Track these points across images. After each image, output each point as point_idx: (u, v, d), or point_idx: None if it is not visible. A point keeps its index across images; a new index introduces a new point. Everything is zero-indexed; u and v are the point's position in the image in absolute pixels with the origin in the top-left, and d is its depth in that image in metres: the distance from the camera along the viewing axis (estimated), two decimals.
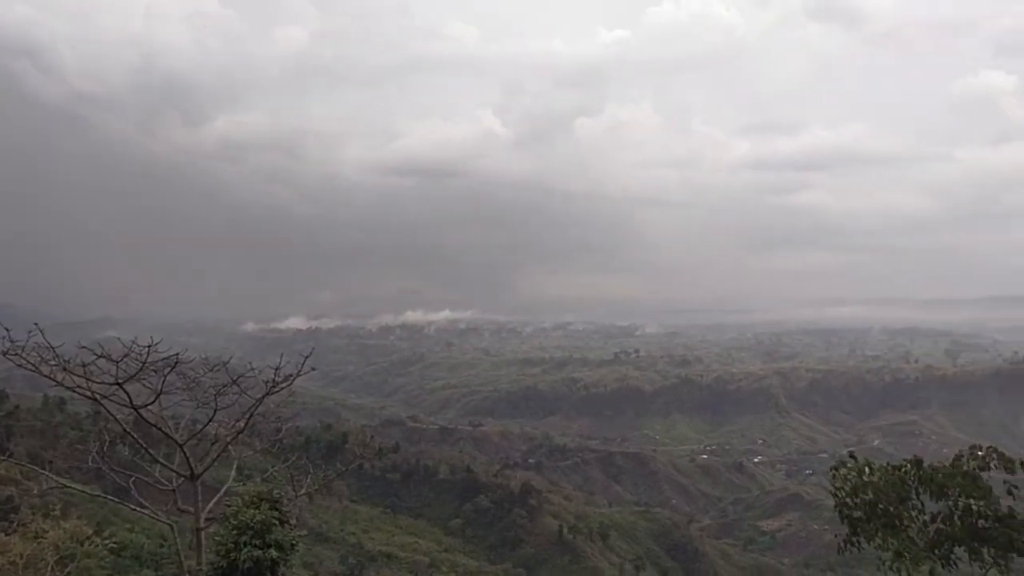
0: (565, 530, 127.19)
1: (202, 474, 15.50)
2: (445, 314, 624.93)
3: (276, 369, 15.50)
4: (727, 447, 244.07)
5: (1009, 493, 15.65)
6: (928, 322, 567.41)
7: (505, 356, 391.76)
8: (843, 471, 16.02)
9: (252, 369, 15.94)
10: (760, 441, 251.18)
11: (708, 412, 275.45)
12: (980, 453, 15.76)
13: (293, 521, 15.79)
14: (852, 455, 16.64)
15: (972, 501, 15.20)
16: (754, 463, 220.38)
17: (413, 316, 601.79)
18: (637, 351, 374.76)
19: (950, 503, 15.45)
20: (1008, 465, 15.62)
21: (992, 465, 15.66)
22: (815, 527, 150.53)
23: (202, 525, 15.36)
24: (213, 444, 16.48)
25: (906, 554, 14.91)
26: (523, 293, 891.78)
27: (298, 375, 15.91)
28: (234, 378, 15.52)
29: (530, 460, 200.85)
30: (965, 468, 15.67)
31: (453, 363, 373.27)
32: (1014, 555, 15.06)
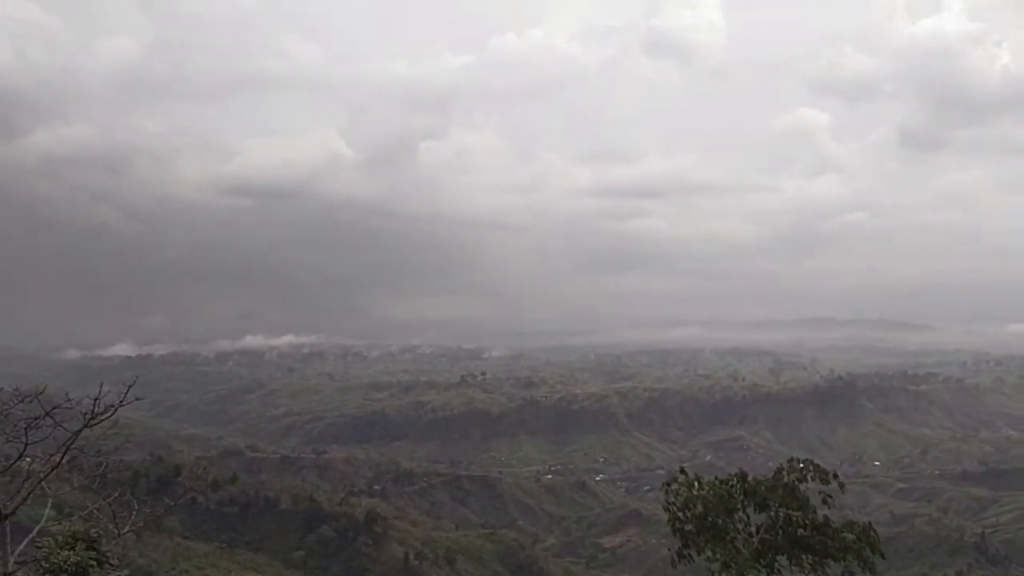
0: (411, 556, 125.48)
1: (11, 513, 14.14)
2: (288, 339, 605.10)
3: (96, 400, 14.40)
4: (571, 466, 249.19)
5: (825, 503, 16.76)
6: (754, 342, 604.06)
7: (351, 381, 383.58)
8: (675, 486, 16.70)
9: (69, 400, 14.74)
10: (601, 459, 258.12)
11: (552, 433, 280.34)
12: (799, 466, 16.83)
13: (115, 561, 14.65)
14: (683, 471, 17.39)
15: (792, 512, 16.26)
16: (596, 481, 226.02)
17: (253, 341, 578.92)
18: (484, 374, 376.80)
19: (772, 514, 16.45)
20: (823, 477, 16.75)
21: (809, 477, 16.75)
22: (653, 541, 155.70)
23: (10, 570, 14.01)
24: (25, 481, 15.10)
25: (733, 564, 15.68)
26: (370, 317, 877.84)
27: (121, 405, 14.85)
28: (48, 409, 14.30)
29: (376, 487, 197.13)
30: (785, 481, 16.70)
31: (296, 389, 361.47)
32: (829, 561, 16.18)
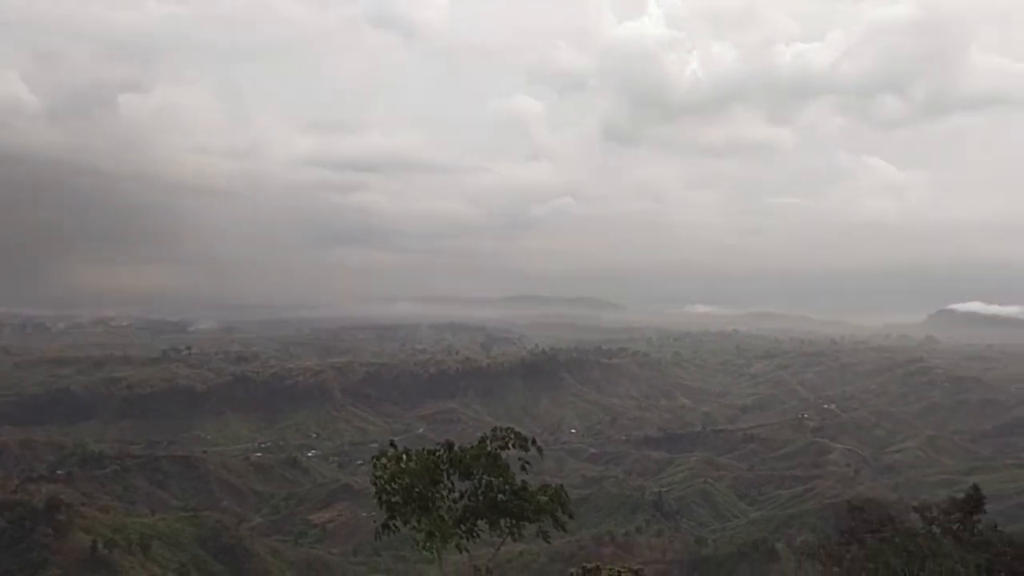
0: (100, 545, 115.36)
1: None
2: None
3: None
4: (282, 443, 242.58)
5: (523, 468, 17.56)
6: (468, 318, 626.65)
7: (31, 355, 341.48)
8: (383, 459, 16.67)
9: None
10: (315, 435, 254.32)
11: (264, 409, 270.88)
12: (501, 435, 17.53)
13: None
14: (392, 443, 17.44)
15: (493, 478, 16.94)
16: (308, 457, 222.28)
17: None
18: (189, 348, 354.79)
19: (475, 481, 17.03)
20: (523, 443, 17.51)
21: (510, 444, 17.44)
22: (364, 515, 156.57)
23: None
24: None
25: (437, 532, 16.02)
26: (54, 284, 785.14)
27: None
28: None
29: (59, 471, 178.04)
30: (488, 449, 17.30)
31: None
32: (525, 523, 17.11)
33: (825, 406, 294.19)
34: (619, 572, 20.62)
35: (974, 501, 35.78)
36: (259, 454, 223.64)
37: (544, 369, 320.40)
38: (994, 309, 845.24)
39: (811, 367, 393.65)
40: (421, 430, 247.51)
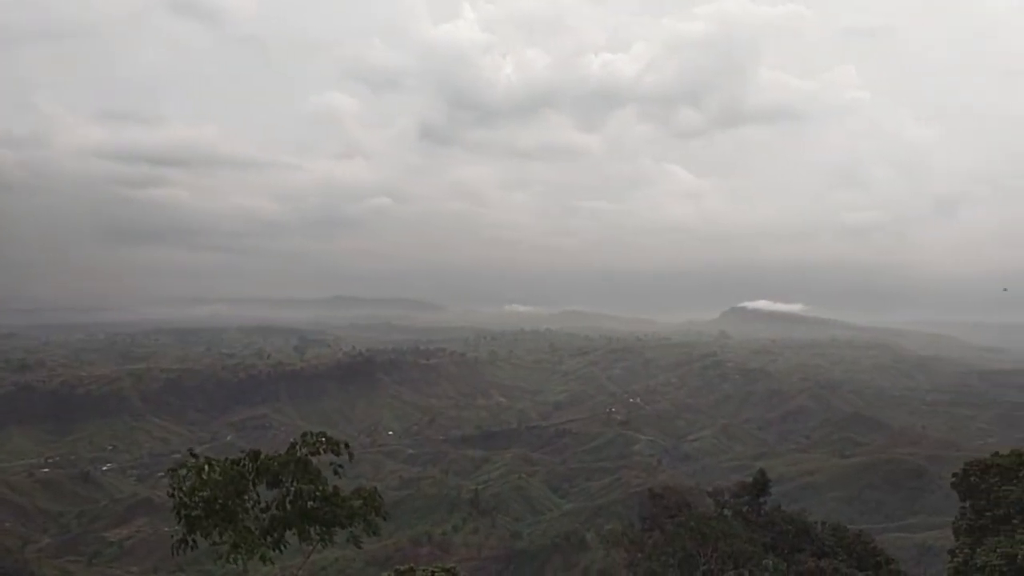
0: None
1: None
2: None
3: None
4: (73, 457, 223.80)
5: (336, 473, 17.21)
6: (280, 320, 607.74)
7: None
8: (182, 471, 15.76)
9: None
10: (110, 447, 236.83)
11: (51, 421, 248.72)
12: (311, 440, 17.08)
13: None
14: (193, 454, 16.51)
15: (303, 485, 16.46)
16: (103, 471, 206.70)
17: None
18: None
19: (284, 490, 16.47)
20: (335, 448, 17.17)
21: (321, 450, 17.05)
22: (166, 529, 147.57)
23: None
24: None
25: (242, 544, 15.35)
26: None
27: None
28: None
29: None
30: (298, 455, 16.80)
31: None
32: (337, 528, 16.76)
33: (631, 400, 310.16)
34: (432, 572, 20.71)
35: (760, 484, 39.00)
36: (46, 470, 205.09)
37: (361, 371, 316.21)
38: (779, 306, 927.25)
39: (618, 363, 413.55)
40: (230, 438, 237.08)
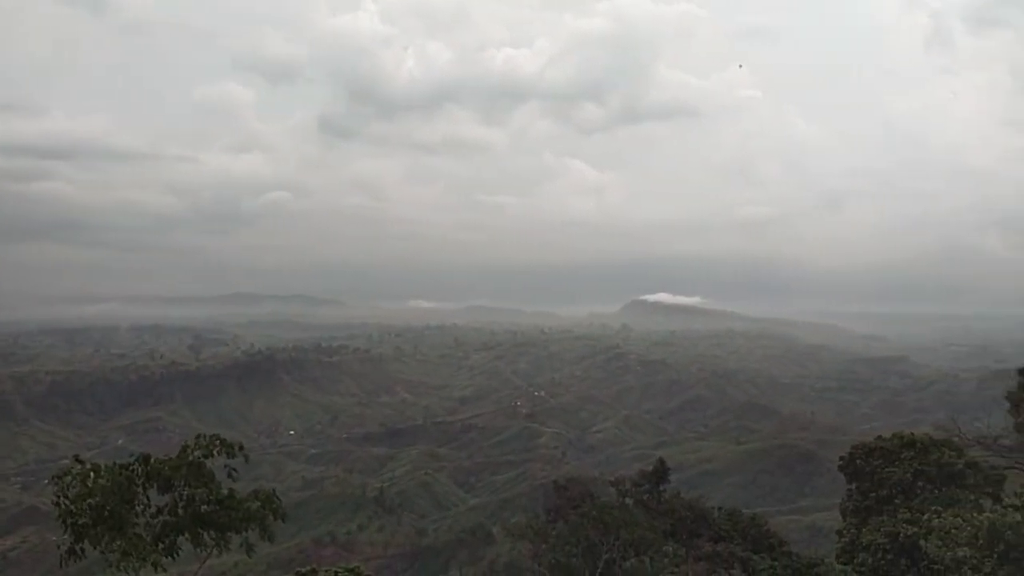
0: None
1: None
2: None
3: None
4: None
5: (230, 476, 16.70)
6: (174, 319, 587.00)
7: None
8: (67, 478, 15.03)
9: None
10: None
11: None
12: (204, 442, 16.52)
13: None
14: (78, 459, 15.76)
15: (196, 489, 15.90)
16: None
17: None
18: None
19: (176, 494, 15.88)
20: (230, 450, 16.66)
21: (216, 452, 16.51)
22: (53, 538, 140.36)
23: None
24: None
25: (132, 552, 14.75)
26: None
27: None
28: None
29: None
30: (191, 458, 16.22)
31: None
32: (232, 533, 16.25)
33: (536, 393, 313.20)
34: (336, 573, 20.46)
35: (660, 473, 40.01)
36: None
37: (260, 370, 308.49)
38: (678, 299, 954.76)
39: (523, 357, 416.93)
40: (121, 442, 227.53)
